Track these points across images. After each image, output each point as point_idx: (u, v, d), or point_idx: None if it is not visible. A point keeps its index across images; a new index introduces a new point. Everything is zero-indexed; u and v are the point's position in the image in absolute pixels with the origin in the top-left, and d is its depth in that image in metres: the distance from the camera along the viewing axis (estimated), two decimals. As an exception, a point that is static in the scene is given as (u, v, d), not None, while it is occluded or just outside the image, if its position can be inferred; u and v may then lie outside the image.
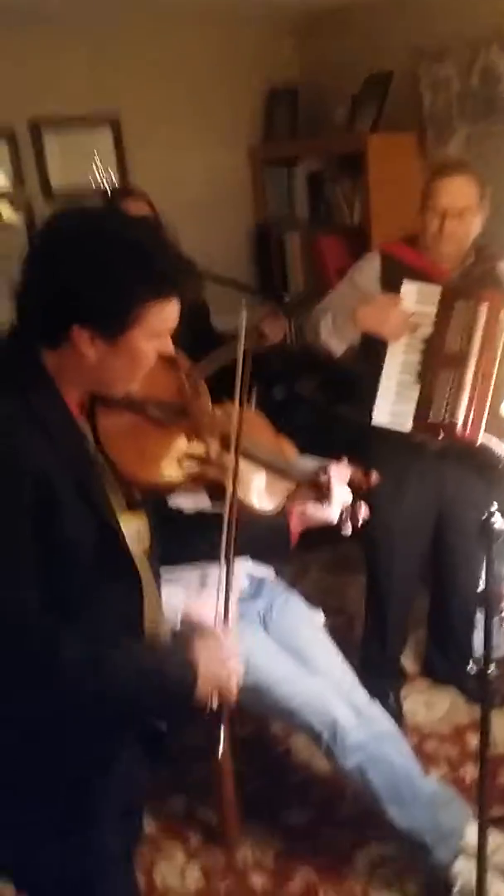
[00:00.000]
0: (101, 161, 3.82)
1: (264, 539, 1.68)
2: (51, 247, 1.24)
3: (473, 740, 2.60)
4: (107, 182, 3.84)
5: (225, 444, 1.51)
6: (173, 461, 1.46)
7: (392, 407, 2.39)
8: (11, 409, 1.21)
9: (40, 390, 1.25)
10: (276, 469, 1.67)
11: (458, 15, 3.17)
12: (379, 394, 2.39)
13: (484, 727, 1.71)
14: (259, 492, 1.62)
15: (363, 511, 1.73)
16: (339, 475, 1.70)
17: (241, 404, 1.46)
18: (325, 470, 1.69)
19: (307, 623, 2.29)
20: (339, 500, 1.68)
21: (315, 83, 4.00)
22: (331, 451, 2.82)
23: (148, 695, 1.30)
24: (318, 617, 2.40)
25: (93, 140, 3.80)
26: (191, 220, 3.60)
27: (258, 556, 1.99)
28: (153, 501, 1.49)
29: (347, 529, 1.71)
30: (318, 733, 2.02)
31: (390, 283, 2.40)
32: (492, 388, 2.27)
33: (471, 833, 1.98)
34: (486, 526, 1.45)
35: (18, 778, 1.35)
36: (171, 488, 1.49)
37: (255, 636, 2.16)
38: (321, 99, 3.94)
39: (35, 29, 3.48)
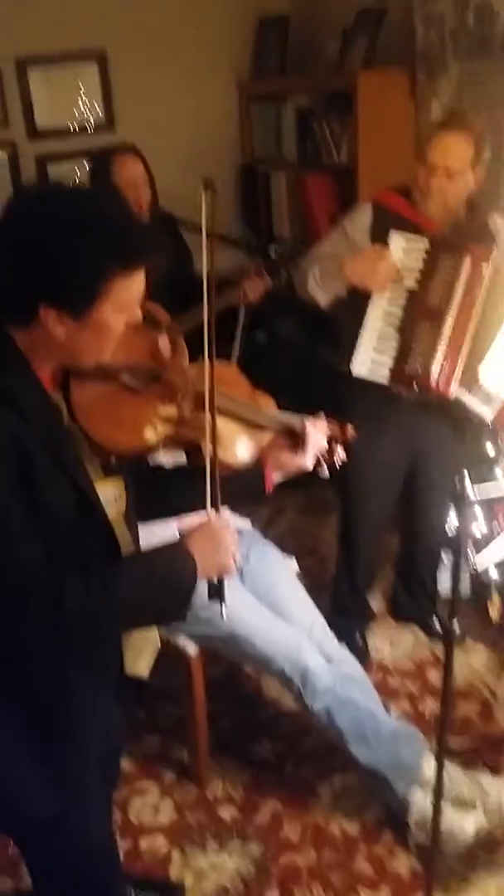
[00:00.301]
0: (87, 97, 3.73)
1: (240, 487, 1.72)
2: (13, 228, 1.25)
3: (434, 676, 2.72)
4: (91, 120, 3.74)
5: (198, 404, 1.54)
6: (148, 425, 1.49)
7: (371, 357, 2.43)
8: None
9: (12, 368, 1.27)
10: (250, 423, 1.71)
11: None
12: (359, 344, 2.43)
13: (447, 666, 1.78)
14: (233, 446, 1.66)
15: (340, 455, 1.80)
16: (315, 426, 1.74)
17: (211, 364, 1.49)
18: (300, 420, 1.74)
19: (282, 572, 2.35)
20: (313, 448, 1.73)
21: (306, 14, 3.87)
22: (310, 393, 2.85)
23: (157, 600, 1.39)
24: (292, 565, 2.47)
25: (79, 76, 3.70)
26: (177, 158, 3.57)
27: (234, 501, 2.03)
28: (132, 462, 1.53)
29: (325, 473, 1.80)
30: (289, 678, 2.10)
31: (380, 234, 2.40)
32: (467, 342, 2.29)
33: (428, 767, 2.10)
34: (457, 491, 1.49)
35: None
36: (148, 451, 1.52)
37: (232, 587, 2.21)
38: (312, 31, 3.82)
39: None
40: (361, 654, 2.73)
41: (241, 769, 2.42)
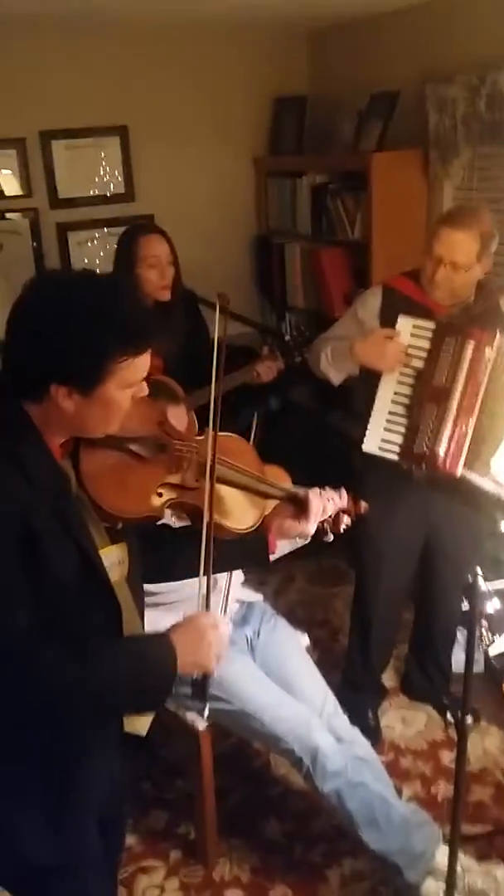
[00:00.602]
0: (108, 168, 3.85)
1: (244, 551, 1.79)
2: (27, 312, 1.35)
3: (447, 757, 2.68)
4: (112, 190, 3.87)
5: (203, 473, 1.61)
6: (153, 493, 1.55)
7: (382, 435, 2.45)
8: None
9: (24, 439, 1.35)
10: (255, 491, 1.76)
11: (468, 38, 3.19)
12: (370, 422, 2.46)
13: (461, 750, 1.76)
14: (236, 512, 1.71)
15: (344, 521, 1.85)
16: (319, 495, 1.79)
17: (214, 436, 1.60)
18: (304, 490, 1.80)
19: (293, 648, 2.35)
20: (316, 516, 1.77)
21: (323, 96, 4.01)
22: (323, 461, 2.86)
23: (134, 686, 1.41)
24: (303, 640, 2.46)
25: (101, 149, 3.83)
26: (195, 228, 3.66)
27: (239, 567, 2.09)
28: (138, 527, 1.58)
29: (328, 537, 1.84)
30: (298, 758, 2.08)
31: (390, 317, 2.45)
32: (473, 422, 2.32)
33: (441, 855, 2.06)
34: (471, 587, 1.50)
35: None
36: (153, 518, 1.57)
37: (243, 662, 2.22)
38: (328, 112, 3.95)
39: (46, 41, 3.52)
40: (373, 732, 2.70)
41: (248, 849, 2.38)
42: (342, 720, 2.23)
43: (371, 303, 2.54)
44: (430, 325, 2.38)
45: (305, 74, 4.13)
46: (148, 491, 1.53)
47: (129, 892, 2.26)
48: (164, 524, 1.78)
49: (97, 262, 3.87)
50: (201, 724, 2.20)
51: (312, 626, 3.33)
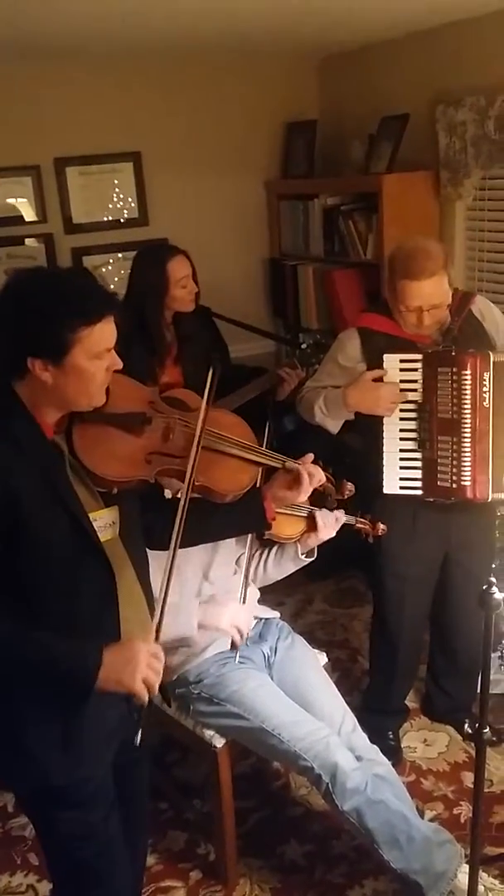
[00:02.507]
0: (121, 194, 3.91)
1: (241, 513, 1.91)
2: (3, 301, 1.57)
3: (470, 778, 2.64)
4: (125, 215, 3.93)
5: (190, 442, 1.75)
6: (140, 460, 1.69)
7: (399, 474, 2.44)
8: None
9: (13, 414, 1.56)
10: (243, 458, 1.86)
11: (476, 62, 3.23)
12: (384, 464, 2.45)
13: (479, 770, 1.74)
14: (225, 477, 1.81)
15: (349, 487, 2.14)
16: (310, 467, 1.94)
17: (207, 402, 1.78)
18: (306, 459, 1.96)
19: (310, 665, 2.34)
20: (309, 485, 1.93)
21: (333, 120, 4.07)
22: (338, 480, 2.86)
23: (53, 677, 1.56)
24: (321, 658, 2.45)
25: (114, 175, 3.89)
26: (208, 252, 3.70)
27: (239, 532, 2.19)
28: (149, 494, 1.79)
29: (332, 503, 2.15)
30: (317, 776, 2.06)
31: (373, 356, 2.44)
32: (490, 445, 2.32)
33: (463, 875, 2.03)
34: (485, 596, 1.49)
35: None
36: (143, 483, 1.70)
37: (260, 680, 2.21)
38: (339, 135, 4.00)
39: (62, 69, 3.59)
40: (394, 753, 2.67)
41: (269, 870, 2.36)
42: (361, 738, 2.21)
43: (349, 347, 2.50)
44: (418, 357, 2.38)
45: (316, 99, 4.19)
46: (136, 458, 1.68)
47: (150, 914, 2.25)
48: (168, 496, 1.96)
49: (112, 286, 3.91)
50: (219, 743, 2.19)
51: (332, 647, 3.31)
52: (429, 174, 3.47)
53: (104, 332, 1.55)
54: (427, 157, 3.47)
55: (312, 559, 2.40)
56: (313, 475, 1.94)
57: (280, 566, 2.41)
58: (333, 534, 2.32)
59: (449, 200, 3.45)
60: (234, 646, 2.22)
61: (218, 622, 2.18)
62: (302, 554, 2.36)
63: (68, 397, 1.57)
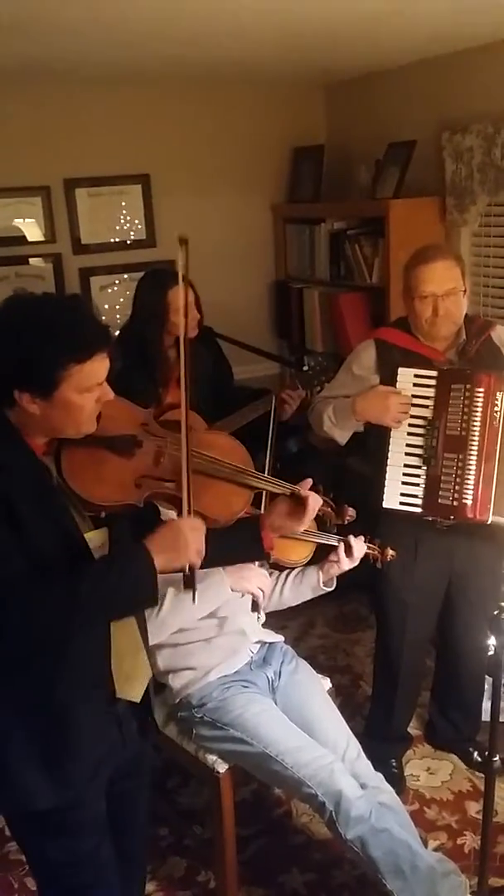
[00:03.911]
0: (129, 215, 3.94)
1: (236, 542, 1.85)
2: None
3: (474, 808, 2.61)
4: (133, 237, 3.96)
5: (177, 464, 1.70)
6: (130, 484, 1.66)
7: (401, 489, 2.43)
8: None
9: (4, 438, 1.54)
10: (236, 482, 1.81)
11: (482, 89, 3.26)
12: (387, 477, 2.43)
13: (488, 798, 1.72)
14: (217, 502, 1.77)
15: (349, 512, 2.08)
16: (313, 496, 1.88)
17: (186, 422, 1.68)
18: (304, 485, 1.89)
19: (315, 690, 2.31)
20: (312, 514, 1.87)
21: (340, 146, 4.10)
22: (338, 505, 2.84)
23: (120, 589, 1.55)
24: (325, 683, 2.42)
25: (123, 197, 3.92)
26: (215, 274, 3.72)
27: (234, 561, 2.11)
28: (149, 514, 1.76)
29: (332, 528, 2.17)
30: (321, 804, 2.03)
31: (387, 369, 2.44)
32: (496, 468, 2.31)
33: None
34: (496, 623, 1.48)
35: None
36: (131, 506, 1.66)
37: (264, 704, 2.18)
38: (346, 160, 4.03)
39: (71, 92, 3.63)
40: (397, 781, 2.63)
41: (270, 899, 2.32)
42: (366, 765, 2.18)
43: (365, 358, 2.51)
44: (433, 373, 2.38)
45: (323, 124, 4.23)
46: (125, 482, 1.65)
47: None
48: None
49: (118, 306, 3.93)
50: (221, 768, 2.16)
51: (334, 671, 3.28)
52: (435, 200, 3.49)
53: (95, 368, 1.52)
54: (433, 183, 3.50)
55: (331, 589, 2.37)
56: (317, 505, 1.89)
57: (297, 592, 2.39)
58: (357, 562, 2.30)
59: (454, 226, 3.47)
60: (255, 606, 2.27)
61: (249, 585, 2.19)
62: (323, 583, 2.34)
63: (54, 427, 1.55)
